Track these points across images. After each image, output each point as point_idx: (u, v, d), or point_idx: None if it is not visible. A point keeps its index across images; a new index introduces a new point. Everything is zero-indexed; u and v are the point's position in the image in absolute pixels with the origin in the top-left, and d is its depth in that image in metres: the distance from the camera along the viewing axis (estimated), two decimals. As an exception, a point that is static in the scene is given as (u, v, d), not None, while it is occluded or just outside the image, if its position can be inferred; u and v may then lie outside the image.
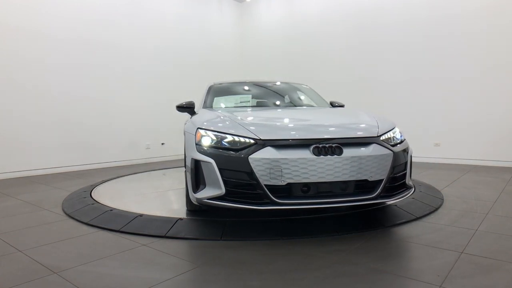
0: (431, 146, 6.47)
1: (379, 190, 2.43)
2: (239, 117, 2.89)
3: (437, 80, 6.36)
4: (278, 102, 4.08)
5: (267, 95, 4.20)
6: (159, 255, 2.18)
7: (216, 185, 2.42)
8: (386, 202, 2.91)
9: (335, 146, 2.38)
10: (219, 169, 2.40)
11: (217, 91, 4.21)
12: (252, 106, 3.99)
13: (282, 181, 2.32)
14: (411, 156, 2.80)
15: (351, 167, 2.36)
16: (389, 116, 6.85)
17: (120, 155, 6.64)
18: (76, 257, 2.18)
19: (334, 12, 7.62)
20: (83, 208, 3.24)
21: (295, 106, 4.00)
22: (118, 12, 6.64)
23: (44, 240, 2.49)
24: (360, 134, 2.57)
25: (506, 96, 5.72)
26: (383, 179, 2.44)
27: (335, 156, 2.35)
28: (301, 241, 2.40)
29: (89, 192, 3.89)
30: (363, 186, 2.45)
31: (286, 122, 2.93)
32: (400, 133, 2.87)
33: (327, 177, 2.33)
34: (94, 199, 3.53)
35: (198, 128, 2.68)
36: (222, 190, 2.39)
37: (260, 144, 2.39)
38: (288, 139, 2.43)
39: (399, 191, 2.60)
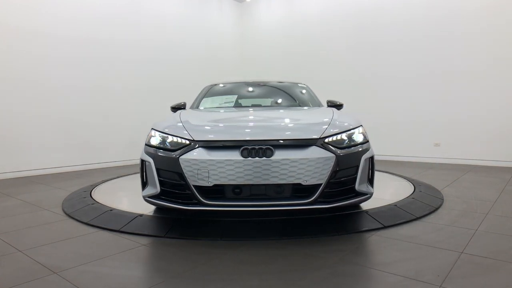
0: (431, 146, 6.47)
1: (316, 195, 2.32)
2: (197, 118, 2.95)
3: (437, 80, 6.36)
4: (260, 102, 4.02)
5: (253, 96, 4.14)
6: (159, 255, 2.18)
7: (153, 184, 2.53)
8: (332, 208, 2.52)
9: (266, 148, 2.33)
10: (156, 169, 2.50)
11: (208, 91, 4.27)
12: (229, 107, 3.89)
13: (209, 182, 2.34)
14: (370, 160, 2.60)
15: (281, 170, 2.29)
16: (389, 116, 6.89)
17: (120, 155, 6.64)
18: (76, 257, 2.18)
19: (334, 12, 7.62)
20: (83, 208, 3.24)
21: (274, 106, 3.90)
22: (118, 12, 6.64)
23: (44, 240, 2.49)
24: (298, 136, 2.45)
25: (506, 96, 5.72)
26: (321, 184, 2.32)
27: (264, 158, 2.30)
28: (301, 241, 2.40)
29: (89, 192, 3.89)
30: (301, 190, 2.35)
31: (233, 123, 2.85)
32: (363, 134, 2.69)
33: (254, 180, 2.30)
34: (94, 199, 3.53)
35: (152, 129, 2.80)
36: (157, 189, 2.50)
37: (193, 145, 2.44)
38: (218, 141, 2.45)
39: (345, 197, 2.43)
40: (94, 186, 4.30)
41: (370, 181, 2.65)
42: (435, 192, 3.75)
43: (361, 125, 2.73)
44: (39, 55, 5.61)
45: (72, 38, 5.98)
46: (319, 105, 3.90)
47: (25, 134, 5.47)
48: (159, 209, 2.99)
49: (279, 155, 2.32)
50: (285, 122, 2.85)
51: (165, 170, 2.49)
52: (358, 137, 2.61)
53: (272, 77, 7.44)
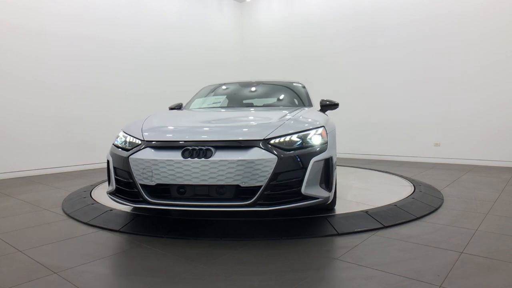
0: (431, 146, 6.47)
1: (255, 198, 2.28)
2: (161, 119, 3.03)
3: (437, 80, 6.36)
4: (249, 102, 4.03)
5: (243, 96, 4.15)
6: (159, 255, 2.18)
7: (111, 181, 2.67)
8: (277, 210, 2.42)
9: (206, 149, 2.35)
10: (114, 168, 2.62)
11: (203, 92, 4.35)
12: (213, 107, 3.95)
13: (152, 181, 2.39)
14: (325, 162, 2.49)
15: (219, 171, 2.29)
16: (389, 116, 6.88)
17: (120, 155, 6.63)
18: (76, 257, 2.18)
19: (334, 12, 7.62)
20: (83, 208, 3.24)
21: (256, 106, 3.88)
22: (118, 12, 6.64)
23: (44, 240, 2.49)
24: (240, 137, 2.42)
25: (506, 96, 5.72)
26: (261, 186, 2.28)
27: (202, 159, 2.31)
28: (301, 241, 2.40)
29: (89, 192, 3.89)
30: (244, 192, 2.31)
31: (184, 124, 2.90)
32: (321, 136, 2.56)
33: (193, 180, 2.32)
34: (94, 199, 3.53)
35: (122, 129, 2.89)
36: (113, 187, 2.63)
37: (142, 145, 2.52)
38: (162, 141, 2.51)
39: (289, 200, 2.35)
40: (94, 186, 4.30)
41: (327, 184, 2.53)
42: (435, 192, 3.75)
43: (322, 126, 2.63)
44: (39, 54, 5.61)
45: (72, 38, 5.97)
46: (309, 105, 3.80)
47: (25, 134, 5.47)
48: (159, 209, 2.99)
49: (218, 156, 2.32)
50: (239, 123, 2.81)
51: (119, 169, 2.58)
52: (313, 139, 2.51)
53: (272, 77, 7.45)
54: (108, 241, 2.45)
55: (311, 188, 2.39)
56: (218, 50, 8.63)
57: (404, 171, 5.31)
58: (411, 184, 4.04)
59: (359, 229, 2.58)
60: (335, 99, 4.33)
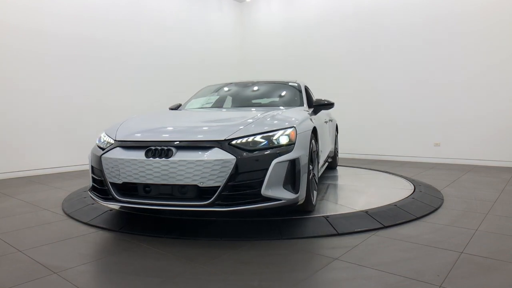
0: (431, 146, 6.47)
1: (213, 198, 2.29)
2: (139, 120, 3.12)
3: (437, 80, 6.36)
4: (240, 103, 4.03)
5: (236, 96, 4.18)
6: (159, 255, 2.18)
7: (90, 179, 2.78)
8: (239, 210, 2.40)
9: (167, 149, 2.38)
10: (91, 166, 2.76)
11: (200, 93, 4.44)
12: (205, 108, 4.00)
13: (119, 180, 2.48)
14: (290, 163, 2.44)
15: (178, 171, 2.32)
16: (389, 116, 6.88)
17: (120, 155, 6.63)
18: (76, 257, 2.18)
19: (334, 12, 7.62)
20: (83, 208, 3.24)
21: (242, 107, 3.87)
22: (118, 12, 6.64)
23: (44, 240, 2.49)
24: (202, 138, 2.45)
25: (506, 96, 5.72)
26: (219, 186, 2.29)
27: (163, 159, 2.35)
28: (301, 241, 2.40)
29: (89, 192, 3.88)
30: (205, 192, 2.33)
31: (153, 125, 2.95)
32: (289, 137, 2.52)
33: (155, 179, 2.36)
34: (94, 199, 3.52)
35: (104, 129, 2.98)
36: (90, 184, 2.76)
37: (114, 144, 2.62)
38: (129, 141, 2.60)
39: (248, 201, 2.32)
40: (94, 186, 4.28)
41: (293, 186, 2.48)
42: (435, 192, 3.75)
43: (292, 127, 2.59)
44: (39, 54, 5.61)
45: (72, 38, 5.97)
46: (301, 104, 3.74)
47: (25, 134, 5.47)
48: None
49: (178, 156, 2.35)
50: (205, 124, 2.82)
51: (95, 167, 2.70)
52: (280, 140, 2.48)
53: (272, 77, 7.44)
54: (108, 241, 2.45)
55: (272, 190, 2.35)
56: (218, 50, 8.63)
57: (404, 171, 5.31)
58: (411, 184, 4.04)
59: (359, 229, 2.58)
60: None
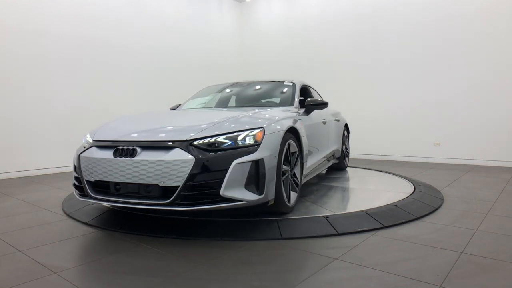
0: (431, 146, 6.47)
1: (173, 197, 2.32)
2: (121, 120, 3.23)
3: (437, 80, 6.36)
4: (233, 103, 4.13)
5: (227, 97, 4.26)
6: (159, 255, 2.18)
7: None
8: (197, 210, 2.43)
9: (132, 149, 2.47)
10: (73, 164, 2.85)
11: (198, 93, 4.53)
12: (196, 108, 4.08)
13: (92, 178, 2.60)
14: (253, 164, 2.42)
15: (141, 170, 2.38)
16: (389, 116, 6.87)
17: (120, 155, 6.63)
18: (76, 257, 2.18)
19: (335, 12, 7.62)
20: (83, 208, 3.24)
21: (236, 107, 3.94)
22: (118, 12, 6.63)
23: (44, 240, 2.49)
24: (164, 138, 2.50)
25: (506, 96, 5.72)
26: (178, 186, 2.31)
27: (128, 158, 2.43)
28: (301, 241, 2.40)
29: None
30: (168, 191, 2.36)
31: (126, 125, 3.03)
32: (254, 137, 2.51)
33: (120, 178, 2.45)
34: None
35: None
36: (73, 181, 2.86)
37: (92, 144, 2.76)
38: (100, 141, 2.72)
39: (207, 201, 2.33)
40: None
41: (257, 187, 2.46)
42: (435, 192, 3.75)
43: (260, 128, 2.58)
44: (39, 55, 5.61)
45: (72, 39, 5.97)
46: (291, 104, 3.71)
47: (25, 134, 5.47)
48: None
49: (142, 156, 2.42)
50: (177, 125, 2.85)
51: (75, 165, 2.81)
52: (245, 140, 2.48)
53: (272, 76, 7.44)
54: (108, 241, 2.46)
55: (232, 190, 2.34)
56: (217, 49, 8.63)
57: (404, 171, 5.31)
58: (411, 184, 4.04)
59: (359, 229, 2.58)
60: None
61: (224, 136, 2.46)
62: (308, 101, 3.66)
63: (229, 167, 2.32)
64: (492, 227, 2.63)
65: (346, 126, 5.36)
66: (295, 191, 3.04)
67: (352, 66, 7.37)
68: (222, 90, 4.45)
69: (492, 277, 1.82)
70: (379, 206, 3.06)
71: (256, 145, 2.47)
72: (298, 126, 3.15)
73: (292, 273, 1.91)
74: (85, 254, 2.22)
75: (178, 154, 2.34)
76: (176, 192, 2.32)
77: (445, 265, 1.96)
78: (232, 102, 4.16)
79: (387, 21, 6.89)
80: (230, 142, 2.44)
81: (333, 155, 4.65)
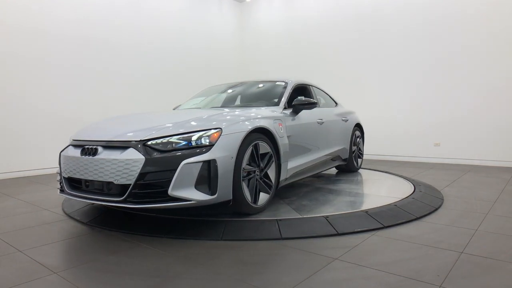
0: (431, 146, 6.47)
1: (125, 195, 2.41)
2: (105, 120, 3.37)
3: (437, 80, 6.36)
4: (227, 103, 4.15)
5: (220, 98, 4.28)
6: (159, 255, 2.18)
7: None
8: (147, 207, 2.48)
9: (94, 148, 2.61)
10: (58, 162, 2.98)
11: (198, 93, 4.58)
12: (190, 109, 4.10)
13: (66, 175, 2.78)
14: (207, 164, 2.44)
15: (99, 169, 2.51)
16: (389, 116, 6.87)
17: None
18: (76, 257, 2.18)
19: (335, 12, 7.62)
20: (83, 208, 3.24)
21: (217, 107, 3.93)
22: (118, 12, 6.64)
23: (44, 240, 2.50)
24: (118, 138, 2.61)
25: (506, 96, 5.72)
26: (130, 184, 2.39)
27: (90, 157, 2.58)
28: (301, 241, 2.40)
29: (89, 192, 3.89)
30: (124, 189, 2.44)
31: (97, 125, 3.18)
32: (209, 138, 2.54)
33: (85, 175, 2.61)
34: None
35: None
36: (58, 178, 2.98)
37: (70, 143, 2.95)
38: (74, 140, 2.92)
39: (155, 199, 2.38)
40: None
41: (210, 187, 2.47)
42: (435, 192, 3.75)
43: (218, 129, 2.60)
44: (39, 55, 5.61)
45: (72, 39, 5.98)
46: (276, 104, 3.64)
47: (25, 134, 5.47)
48: (160, 209, 2.99)
49: (101, 155, 2.55)
50: (138, 125, 2.88)
51: (59, 163, 2.97)
52: (200, 141, 2.52)
53: (270, 76, 7.43)
54: (108, 241, 2.45)
55: (181, 190, 2.37)
56: (217, 49, 8.63)
57: (404, 171, 5.31)
58: (411, 184, 4.04)
59: (359, 229, 2.58)
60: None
61: (178, 137, 2.51)
62: (296, 100, 3.61)
63: (178, 167, 2.36)
64: (492, 227, 2.63)
65: (358, 126, 5.22)
66: (267, 193, 3.00)
67: (352, 66, 7.37)
68: (220, 90, 4.47)
69: (492, 277, 1.82)
70: (379, 206, 3.06)
71: (210, 145, 2.50)
72: (274, 126, 3.10)
73: (292, 273, 1.91)
74: (85, 254, 2.22)
75: (131, 154, 2.43)
76: (128, 190, 2.40)
77: (445, 265, 1.96)
78: (225, 102, 4.17)
79: (387, 21, 6.89)
80: (184, 143, 2.49)
81: (338, 156, 4.56)
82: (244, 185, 2.72)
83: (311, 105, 3.60)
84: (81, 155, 2.64)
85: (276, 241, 2.41)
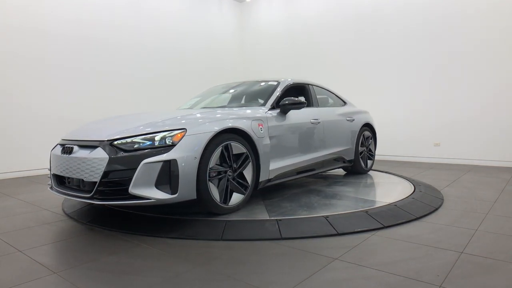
0: (431, 146, 6.47)
1: (92, 192, 2.53)
2: (97, 121, 3.51)
3: (437, 80, 6.36)
4: (222, 103, 4.14)
5: (220, 98, 4.27)
6: (159, 255, 2.18)
7: None
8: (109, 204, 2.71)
9: (70, 147, 2.79)
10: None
11: (199, 94, 4.60)
12: (184, 109, 4.13)
13: (53, 171, 2.94)
14: (167, 164, 2.49)
15: (73, 166, 2.69)
16: (389, 115, 6.87)
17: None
18: (76, 257, 2.18)
19: (335, 12, 7.62)
20: (83, 208, 3.24)
21: (205, 108, 3.94)
22: (118, 12, 6.64)
23: (44, 240, 2.50)
24: (88, 138, 2.78)
25: (506, 96, 5.72)
26: (96, 182, 2.51)
27: (67, 155, 2.76)
28: (301, 241, 2.40)
29: (89, 192, 3.89)
30: (92, 186, 2.57)
31: (88, 126, 3.27)
32: (171, 138, 2.60)
33: (63, 172, 2.79)
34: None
35: None
36: (49, 175, 3.11)
37: (58, 142, 3.08)
38: (61, 140, 3.06)
39: (118, 197, 2.48)
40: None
41: (170, 186, 2.51)
42: (435, 192, 3.75)
43: (182, 129, 2.65)
44: (39, 54, 5.61)
45: (72, 39, 5.98)
46: (263, 104, 3.63)
47: (25, 134, 5.47)
48: (159, 209, 2.99)
49: (76, 154, 2.71)
50: (113, 125, 2.98)
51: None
52: (163, 141, 2.58)
53: (269, 76, 7.44)
54: (108, 241, 2.45)
55: (141, 188, 2.44)
56: (218, 49, 8.63)
57: (404, 171, 5.31)
58: (411, 184, 4.04)
59: (359, 229, 2.58)
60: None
61: (143, 137, 2.60)
62: (282, 101, 3.55)
63: (138, 166, 2.44)
64: (492, 227, 2.63)
65: (369, 126, 5.05)
66: (242, 193, 3.00)
67: (352, 66, 7.37)
68: (220, 90, 4.46)
69: (492, 277, 1.82)
70: (379, 206, 3.06)
71: (172, 146, 2.56)
72: (252, 127, 3.09)
73: (292, 273, 1.91)
74: (85, 254, 2.22)
75: (98, 153, 2.56)
76: (95, 187, 2.52)
77: (445, 265, 1.96)
78: (220, 103, 4.15)
79: (388, 20, 6.89)
80: (148, 143, 2.57)
81: (340, 157, 4.41)
82: (212, 185, 2.75)
83: (299, 105, 3.52)
84: (61, 154, 2.82)
85: (276, 241, 2.41)
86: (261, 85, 4.10)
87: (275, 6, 8.66)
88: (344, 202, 3.30)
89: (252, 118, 3.19)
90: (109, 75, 6.51)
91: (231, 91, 4.33)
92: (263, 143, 3.18)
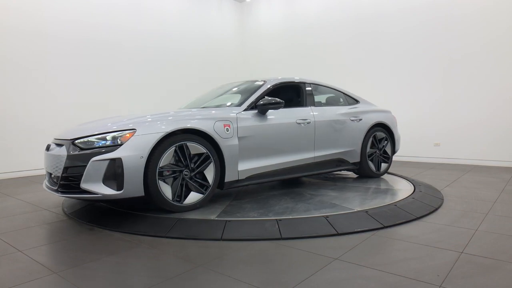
0: (431, 146, 6.47)
1: (57, 186, 2.84)
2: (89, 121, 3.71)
3: (437, 80, 6.36)
4: (215, 103, 4.09)
5: (210, 98, 4.24)
6: (158, 255, 2.18)
7: None
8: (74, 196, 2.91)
9: (49, 145, 3.10)
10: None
11: (201, 94, 4.64)
12: (180, 109, 4.10)
13: (45, 169, 3.19)
14: (113, 162, 2.64)
15: (50, 162, 3.00)
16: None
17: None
18: (76, 257, 2.18)
19: (335, 11, 7.62)
20: (83, 208, 3.24)
21: (201, 108, 3.90)
22: (118, 13, 6.63)
23: (44, 240, 2.50)
24: (61, 136, 3.06)
25: (506, 96, 5.72)
26: (59, 176, 2.82)
27: (46, 152, 3.09)
28: (301, 241, 2.40)
29: (89, 192, 3.90)
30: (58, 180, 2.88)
31: (73, 127, 3.44)
32: (120, 138, 2.75)
33: (47, 168, 3.09)
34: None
35: None
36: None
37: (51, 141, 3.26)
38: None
39: (73, 191, 2.76)
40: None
41: (116, 183, 2.67)
42: (435, 192, 3.75)
43: (131, 130, 2.79)
44: (40, 56, 5.61)
45: (72, 39, 5.98)
46: (238, 105, 3.58)
47: (25, 134, 5.47)
48: (159, 209, 2.99)
49: (52, 151, 3.00)
50: (89, 126, 3.18)
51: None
52: (114, 140, 2.78)
53: (268, 76, 7.43)
54: (108, 241, 2.45)
55: (90, 184, 2.67)
56: (218, 49, 8.63)
57: (404, 171, 5.31)
58: (411, 184, 4.04)
59: (359, 229, 2.58)
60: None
61: (97, 136, 2.82)
62: (262, 100, 3.49)
63: (87, 163, 2.67)
64: (492, 227, 2.63)
65: (383, 126, 4.68)
66: (201, 193, 3.03)
67: (352, 66, 7.37)
68: (220, 90, 4.43)
69: (492, 277, 1.82)
70: (379, 206, 3.06)
71: (120, 145, 2.74)
72: (215, 127, 3.09)
73: (292, 273, 1.91)
74: (85, 254, 2.22)
75: (62, 150, 2.86)
76: (58, 182, 2.83)
77: (445, 265, 1.96)
78: (208, 103, 4.08)
79: (388, 20, 6.89)
80: (102, 142, 2.79)
81: (340, 159, 4.18)
82: (163, 184, 2.85)
83: (275, 105, 3.44)
84: (45, 151, 3.12)
85: (276, 241, 2.41)
86: (249, 86, 4.01)
87: (275, 6, 8.65)
88: (344, 202, 3.29)
89: (217, 118, 3.16)
90: (109, 75, 6.51)
91: (228, 91, 4.29)
92: (228, 143, 3.16)
